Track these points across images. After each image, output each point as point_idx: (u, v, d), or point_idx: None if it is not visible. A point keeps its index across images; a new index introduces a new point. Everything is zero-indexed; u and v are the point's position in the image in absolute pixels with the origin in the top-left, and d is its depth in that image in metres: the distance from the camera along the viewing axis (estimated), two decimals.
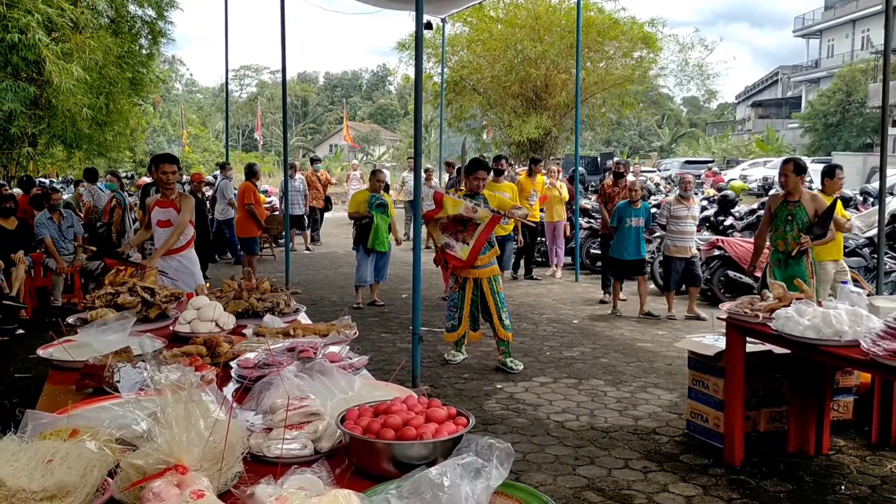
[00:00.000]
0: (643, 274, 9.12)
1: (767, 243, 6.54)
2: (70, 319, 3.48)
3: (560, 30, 20.26)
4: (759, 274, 7.29)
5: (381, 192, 9.42)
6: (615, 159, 10.80)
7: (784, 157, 7.08)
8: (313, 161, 17.38)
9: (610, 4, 21.27)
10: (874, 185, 15.85)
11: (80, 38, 14.85)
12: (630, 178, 10.20)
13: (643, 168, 28.12)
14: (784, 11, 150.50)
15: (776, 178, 8.72)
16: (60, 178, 23.12)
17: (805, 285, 4.62)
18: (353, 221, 9.65)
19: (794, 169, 6.18)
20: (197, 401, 1.67)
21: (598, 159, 28.85)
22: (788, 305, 4.10)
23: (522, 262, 11.86)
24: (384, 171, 11.38)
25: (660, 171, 32.08)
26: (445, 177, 15.89)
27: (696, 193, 18.32)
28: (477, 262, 6.55)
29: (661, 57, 21.97)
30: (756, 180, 26.77)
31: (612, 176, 10.35)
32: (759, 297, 4.58)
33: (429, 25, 15.68)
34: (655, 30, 21.12)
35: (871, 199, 14.03)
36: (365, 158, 49.18)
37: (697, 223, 9.43)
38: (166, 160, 5.86)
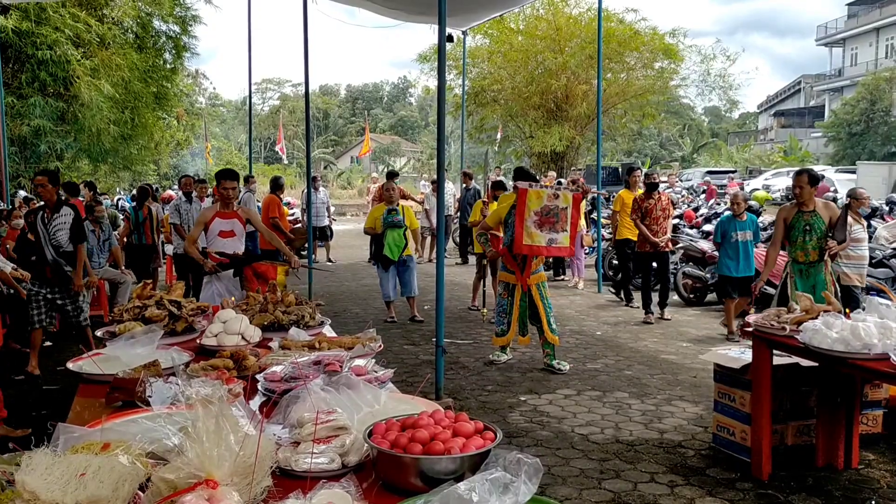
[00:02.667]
0: (747, 294, 8.14)
1: (782, 254, 6.51)
2: (98, 332, 3.52)
3: (580, 41, 20.26)
4: (760, 287, 7.03)
5: (397, 201, 9.21)
6: (640, 169, 10.32)
7: (797, 169, 6.91)
8: (391, 175, 16.67)
9: (630, 15, 21.20)
10: None
11: (106, 54, 15.11)
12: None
13: (663, 178, 27.84)
14: (806, 20, 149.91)
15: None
16: None
17: (832, 298, 4.58)
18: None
19: (808, 180, 6.17)
20: (227, 415, 1.68)
21: (620, 169, 28.72)
22: (816, 318, 4.05)
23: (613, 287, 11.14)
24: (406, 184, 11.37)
25: (681, 181, 31.82)
26: (462, 187, 15.75)
27: (717, 203, 18.24)
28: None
29: (683, 67, 21.91)
30: (779, 190, 26.53)
31: (644, 188, 9.42)
32: (785, 309, 4.54)
33: (450, 38, 15.72)
34: (676, 40, 21.09)
35: None
36: (385, 170, 49.37)
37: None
38: (227, 176, 6.12)
